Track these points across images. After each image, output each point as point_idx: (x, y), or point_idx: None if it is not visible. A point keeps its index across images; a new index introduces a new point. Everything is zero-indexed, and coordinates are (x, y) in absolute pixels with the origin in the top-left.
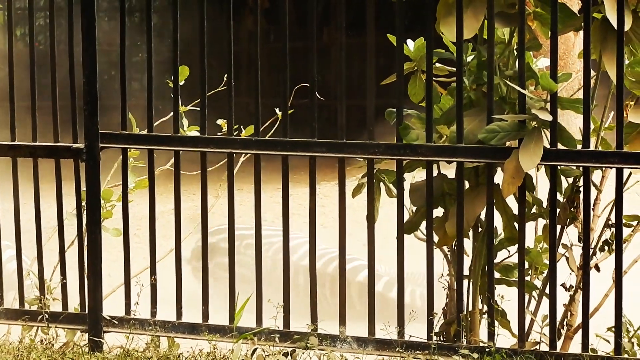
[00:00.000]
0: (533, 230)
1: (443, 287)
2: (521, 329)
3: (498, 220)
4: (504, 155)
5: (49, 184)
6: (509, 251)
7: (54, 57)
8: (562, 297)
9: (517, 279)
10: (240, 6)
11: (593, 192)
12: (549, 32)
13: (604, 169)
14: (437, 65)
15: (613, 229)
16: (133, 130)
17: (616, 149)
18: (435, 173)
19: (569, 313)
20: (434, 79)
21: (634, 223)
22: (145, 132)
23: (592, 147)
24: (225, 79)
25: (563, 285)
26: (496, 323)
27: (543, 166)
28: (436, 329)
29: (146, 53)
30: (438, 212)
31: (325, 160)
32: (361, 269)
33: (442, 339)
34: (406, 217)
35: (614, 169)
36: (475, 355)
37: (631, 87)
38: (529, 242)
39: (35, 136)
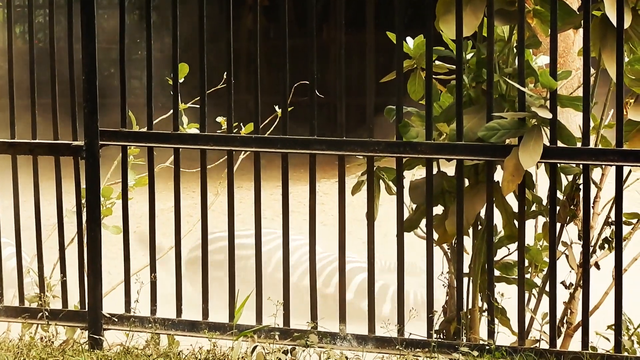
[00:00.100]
0: (533, 228)
1: (443, 285)
2: (521, 327)
3: (498, 218)
4: (503, 153)
5: (48, 182)
6: (508, 249)
7: (53, 55)
8: (562, 294)
9: (517, 277)
10: (239, 4)
11: (593, 190)
12: (549, 30)
13: (603, 166)
14: (437, 62)
15: (613, 227)
16: (133, 127)
17: (616, 147)
18: (435, 171)
19: (569, 311)
20: (433, 76)
21: (634, 221)
22: (145, 129)
23: (591, 145)
24: (224, 76)
25: (563, 283)
26: (496, 321)
27: (543, 164)
28: (436, 327)
29: (146, 51)
30: (438, 209)
31: (325, 158)
32: (359, 271)
33: (442, 337)
34: (406, 214)
35: (614, 167)
36: (475, 353)
37: (631, 84)
38: (529, 239)
39: (35, 134)
